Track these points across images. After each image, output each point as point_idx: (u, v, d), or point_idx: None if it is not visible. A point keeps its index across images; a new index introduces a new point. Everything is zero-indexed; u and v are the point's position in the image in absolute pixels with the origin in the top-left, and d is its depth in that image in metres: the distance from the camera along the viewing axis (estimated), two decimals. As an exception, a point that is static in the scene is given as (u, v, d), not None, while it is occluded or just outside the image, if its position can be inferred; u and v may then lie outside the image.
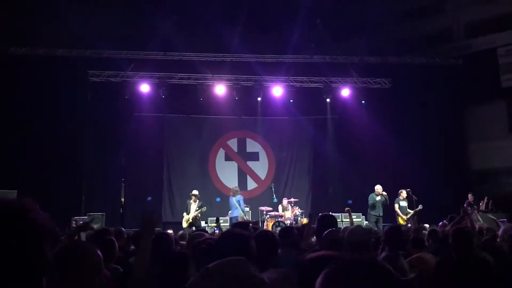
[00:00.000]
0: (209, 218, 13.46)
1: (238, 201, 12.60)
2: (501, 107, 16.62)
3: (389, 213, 12.91)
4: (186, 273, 2.98)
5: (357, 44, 16.05)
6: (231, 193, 12.93)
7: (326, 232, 4.22)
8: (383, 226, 11.37)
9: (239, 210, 12.49)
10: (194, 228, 11.64)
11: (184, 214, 12.44)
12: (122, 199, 13.75)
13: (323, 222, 4.27)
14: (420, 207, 12.32)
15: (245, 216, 12.46)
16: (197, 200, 12.45)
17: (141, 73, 14.86)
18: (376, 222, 12.28)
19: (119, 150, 14.82)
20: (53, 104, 13.66)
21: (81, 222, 9.12)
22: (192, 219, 12.22)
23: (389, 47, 17.02)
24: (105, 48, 14.47)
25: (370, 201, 12.71)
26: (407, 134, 15.37)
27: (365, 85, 16.00)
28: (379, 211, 12.62)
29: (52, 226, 1.16)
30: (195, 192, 12.62)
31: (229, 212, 13.19)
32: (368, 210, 12.83)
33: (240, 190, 15.03)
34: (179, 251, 3.56)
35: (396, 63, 16.04)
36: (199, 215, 12.37)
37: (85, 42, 14.31)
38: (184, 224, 12.19)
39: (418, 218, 12.16)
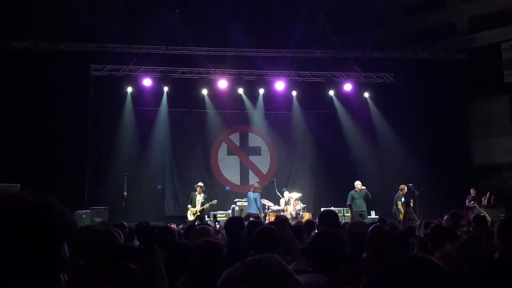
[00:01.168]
0: (211, 212, 13.49)
1: (255, 199, 12.67)
2: (504, 102, 16.57)
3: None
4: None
5: (360, 39, 16.00)
6: (251, 189, 12.99)
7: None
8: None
9: (255, 207, 12.58)
10: (198, 221, 11.74)
11: (189, 206, 12.45)
12: (125, 193, 13.77)
13: (325, 218, 4.27)
14: (411, 203, 12.18)
15: (261, 214, 12.49)
16: (202, 193, 12.49)
17: (143, 67, 14.85)
18: (361, 218, 12.23)
19: (121, 144, 14.84)
20: (56, 98, 13.67)
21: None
22: (199, 211, 12.27)
23: (392, 42, 16.96)
24: (107, 42, 14.46)
25: (349, 199, 12.73)
26: (410, 129, 15.34)
27: (368, 79, 15.97)
28: (362, 207, 12.62)
29: (72, 223, 1.17)
30: (200, 184, 12.67)
31: (230, 206, 13.29)
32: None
33: (241, 184, 15.15)
34: (185, 243, 3.56)
35: (399, 58, 15.98)
36: (208, 207, 12.47)
37: (88, 36, 14.31)
38: (191, 217, 12.17)
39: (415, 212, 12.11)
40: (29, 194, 1.13)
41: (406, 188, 12.78)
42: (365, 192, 12.70)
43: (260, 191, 13.00)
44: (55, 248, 1.07)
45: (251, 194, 12.80)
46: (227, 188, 15.20)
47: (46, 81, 13.68)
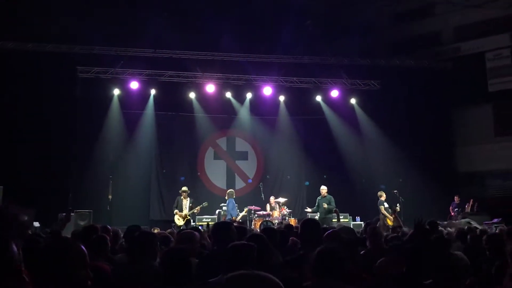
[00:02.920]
0: (197, 217, 13.47)
1: (227, 204, 12.77)
2: (487, 111, 16.80)
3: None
4: (189, 269, 3.02)
5: (347, 46, 16.12)
6: (226, 196, 13.13)
7: None
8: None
9: (235, 211, 12.69)
10: (184, 225, 11.80)
11: (176, 211, 12.42)
12: (110, 196, 13.65)
13: (306, 228, 4.31)
14: (397, 208, 12.41)
15: (234, 217, 12.52)
16: (188, 197, 12.50)
17: (130, 70, 14.78)
18: (324, 223, 12.24)
19: (107, 146, 14.72)
20: (42, 99, 13.53)
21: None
22: (189, 215, 12.31)
23: (379, 50, 17.13)
24: (94, 44, 14.37)
25: (315, 207, 12.90)
26: (396, 136, 15.49)
27: (355, 86, 16.10)
28: (325, 212, 12.71)
29: (18, 220, 1.15)
30: (184, 188, 12.67)
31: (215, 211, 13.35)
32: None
33: (228, 189, 15.20)
34: (179, 248, 3.52)
35: (386, 66, 16.14)
36: (198, 210, 12.54)
37: (75, 38, 14.20)
38: (180, 222, 12.18)
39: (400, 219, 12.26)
40: None
41: (383, 193, 12.94)
42: (329, 200, 12.75)
43: (233, 196, 13.07)
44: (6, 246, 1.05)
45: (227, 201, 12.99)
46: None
47: (32, 83, 13.54)
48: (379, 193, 12.97)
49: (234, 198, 13.03)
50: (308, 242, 4.10)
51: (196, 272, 3.68)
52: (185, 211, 12.33)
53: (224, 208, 13.57)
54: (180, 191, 12.67)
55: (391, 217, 12.63)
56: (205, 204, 12.59)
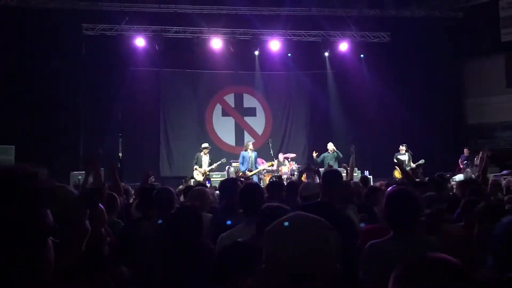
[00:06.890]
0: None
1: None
2: (500, 62, 16.45)
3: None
4: (199, 226, 3.00)
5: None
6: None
7: None
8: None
9: (246, 166, 12.92)
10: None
11: (196, 167, 12.77)
12: (120, 154, 13.79)
13: (328, 178, 4.19)
14: (421, 161, 12.74)
15: (242, 173, 12.67)
16: (208, 154, 12.77)
17: (136, 26, 14.55)
18: None
19: (115, 104, 14.73)
20: (47, 58, 13.45)
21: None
22: (208, 171, 12.71)
23: (389, 0, 16.64)
24: (99, 0, 14.11)
25: (320, 159, 13.10)
26: (405, 89, 15.34)
27: (364, 39, 15.77)
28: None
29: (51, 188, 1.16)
30: (205, 145, 13.01)
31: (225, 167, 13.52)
32: None
33: (236, 146, 15.29)
34: (190, 205, 3.56)
35: (395, 16, 15.74)
36: (216, 166, 12.86)
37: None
38: (199, 177, 12.53)
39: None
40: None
41: (403, 147, 13.40)
42: (336, 153, 13.04)
43: (247, 149, 13.10)
44: (40, 215, 1.08)
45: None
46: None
47: (37, 41, 13.39)
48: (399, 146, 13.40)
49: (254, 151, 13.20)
50: (332, 192, 3.89)
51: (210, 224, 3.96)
52: (205, 167, 12.65)
53: (234, 164, 13.68)
54: (200, 148, 12.95)
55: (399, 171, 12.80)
56: (223, 160, 12.98)
